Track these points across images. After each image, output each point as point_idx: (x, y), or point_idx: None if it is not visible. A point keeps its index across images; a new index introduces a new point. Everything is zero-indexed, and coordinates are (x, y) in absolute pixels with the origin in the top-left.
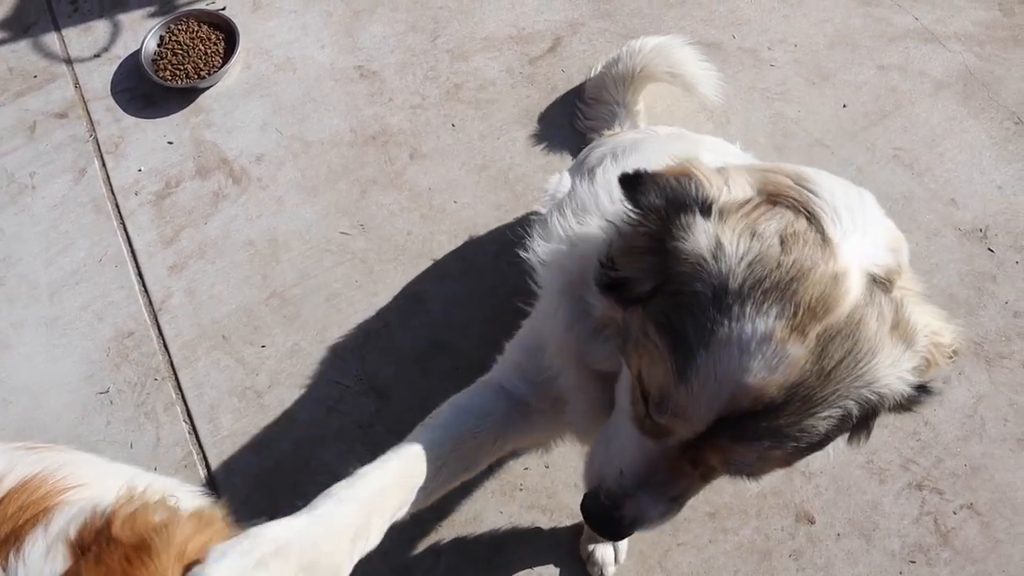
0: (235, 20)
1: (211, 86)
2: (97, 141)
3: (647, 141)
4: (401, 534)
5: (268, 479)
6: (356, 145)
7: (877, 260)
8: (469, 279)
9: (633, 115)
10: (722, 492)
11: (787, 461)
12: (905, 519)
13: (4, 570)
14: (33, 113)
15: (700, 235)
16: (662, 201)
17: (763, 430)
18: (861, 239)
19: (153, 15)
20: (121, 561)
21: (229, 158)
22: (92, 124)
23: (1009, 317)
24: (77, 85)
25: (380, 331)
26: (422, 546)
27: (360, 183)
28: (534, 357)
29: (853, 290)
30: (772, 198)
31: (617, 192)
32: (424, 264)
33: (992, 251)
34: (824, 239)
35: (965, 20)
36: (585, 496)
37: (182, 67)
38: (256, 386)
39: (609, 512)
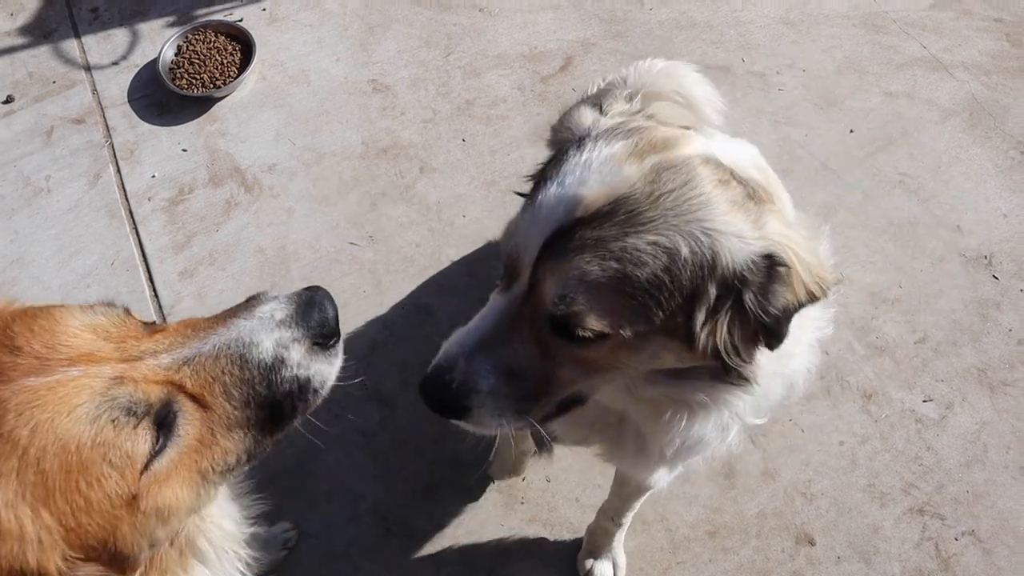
0: (252, 32)
1: (226, 96)
2: (112, 147)
3: None
4: (402, 546)
5: (272, 484)
6: (367, 158)
7: (725, 155)
8: (475, 293)
9: None
10: (723, 511)
11: (614, 309)
12: (906, 544)
13: None
14: (51, 118)
15: (584, 115)
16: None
17: (586, 240)
18: (719, 141)
19: (172, 25)
20: None
21: (242, 167)
22: (108, 130)
23: (1013, 344)
24: (95, 91)
25: (386, 341)
26: (423, 557)
27: (370, 195)
28: None
29: (694, 146)
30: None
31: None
32: (431, 276)
33: (997, 278)
34: (684, 129)
35: (973, 49)
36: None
37: (198, 76)
38: None
39: (441, 375)
